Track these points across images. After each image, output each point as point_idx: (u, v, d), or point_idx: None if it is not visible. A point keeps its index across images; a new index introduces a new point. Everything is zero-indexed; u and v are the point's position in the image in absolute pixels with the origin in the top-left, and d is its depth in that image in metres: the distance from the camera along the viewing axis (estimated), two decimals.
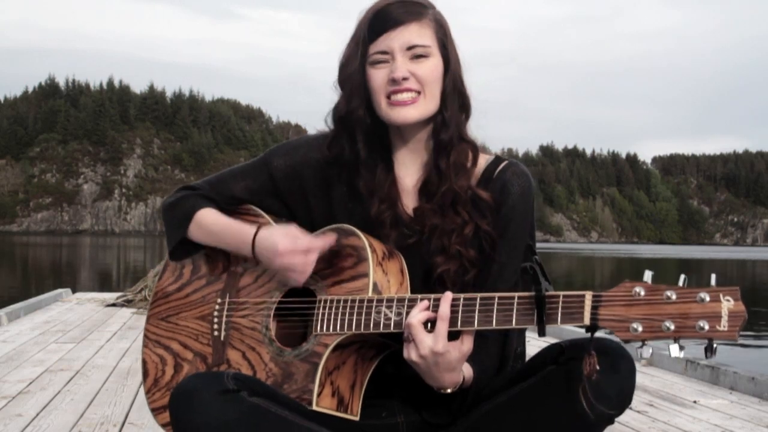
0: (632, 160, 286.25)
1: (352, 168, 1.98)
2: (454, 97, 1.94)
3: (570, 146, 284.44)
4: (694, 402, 4.64)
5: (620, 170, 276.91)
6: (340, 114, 1.95)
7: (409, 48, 1.88)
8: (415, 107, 1.89)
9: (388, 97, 1.89)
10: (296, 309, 1.93)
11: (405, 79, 1.87)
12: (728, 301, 1.52)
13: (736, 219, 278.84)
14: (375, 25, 1.89)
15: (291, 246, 1.86)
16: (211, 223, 2.01)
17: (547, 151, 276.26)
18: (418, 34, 1.89)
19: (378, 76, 1.89)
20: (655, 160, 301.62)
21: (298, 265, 1.87)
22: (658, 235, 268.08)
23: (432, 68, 1.90)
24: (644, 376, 5.23)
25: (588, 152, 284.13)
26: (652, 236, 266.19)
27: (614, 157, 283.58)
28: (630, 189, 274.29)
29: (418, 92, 1.89)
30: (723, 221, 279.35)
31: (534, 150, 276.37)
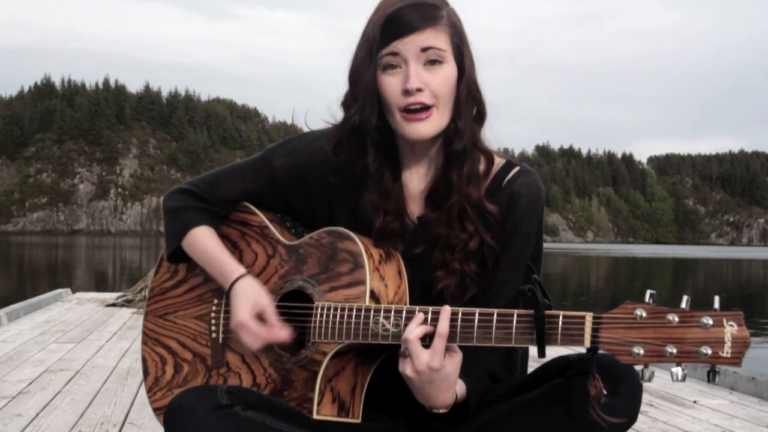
0: (628, 159, 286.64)
1: (359, 174, 1.92)
2: (468, 105, 1.86)
3: (566, 146, 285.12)
4: (694, 402, 4.65)
5: (616, 170, 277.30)
6: (353, 125, 1.88)
7: (424, 50, 1.80)
8: (430, 122, 1.82)
9: (402, 110, 1.82)
10: (293, 313, 1.90)
11: (419, 90, 1.79)
12: (732, 326, 1.49)
13: (731, 219, 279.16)
14: (387, 31, 1.81)
15: (247, 323, 1.85)
16: (201, 247, 1.99)
17: (543, 150, 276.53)
18: (433, 38, 1.80)
19: (391, 85, 1.82)
20: (650, 159, 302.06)
21: (246, 340, 1.87)
22: (654, 234, 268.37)
23: (446, 78, 1.81)
24: (641, 382, 5.21)
25: (584, 152, 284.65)
26: (648, 236, 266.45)
27: (610, 156, 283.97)
28: (626, 189, 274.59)
29: (431, 106, 1.81)
30: (719, 221, 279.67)
31: (530, 150, 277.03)
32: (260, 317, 1.86)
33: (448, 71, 1.82)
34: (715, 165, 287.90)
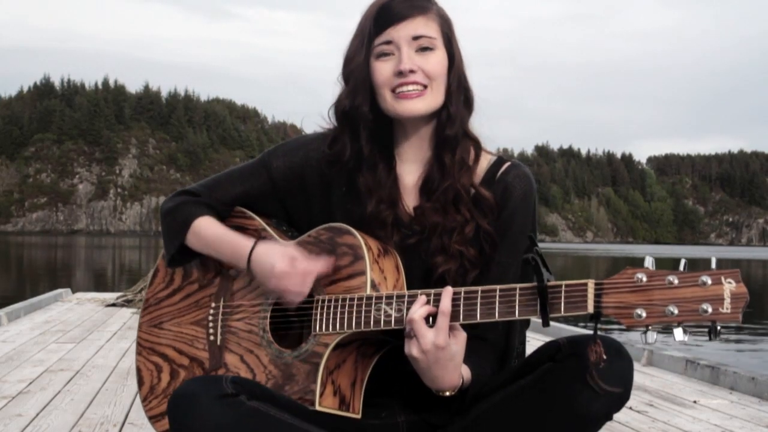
0: (627, 160, 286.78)
1: (353, 166, 1.96)
2: (459, 93, 1.93)
3: (565, 146, 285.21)
4: (694, 402, 4.64)
5: (615, 170, 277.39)
6: (343, 109, 1.93)
7: (415, 38, 1.87)
8: (422, 100, 1.88)
9: (394, 90, 1.88)
10: (293, 310, 1.91)
11: (412, 71, 1.86)
12: (730, 283, 1.53)
13: (731, 219, 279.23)
14: (380, 20, 1.88)
15: (288, 268, 1.84)
16: (208, 233, 1.98)
17: (542, 150, 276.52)
18: (424, 25, 1.88)
19: (383, 69, 1.88)
20: (650, 160, 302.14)
21: (295, 287, 1.85)
22: (653, 235, 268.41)
23: (438, 62, 1.89)
24: (644, 376, 5.23)
25: (583, 152, 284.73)
26: (647, 236, 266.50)
27: (609, 157, 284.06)
28: (625, 189, 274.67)
29: (425, 86, 1.88)
30: (718, 221, 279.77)
31: (529, 150, 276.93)
32: (294, 261, 1.86)
33: (440, 56, 1.90)
34: (715, 165, 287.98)
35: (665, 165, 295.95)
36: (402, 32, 1.87)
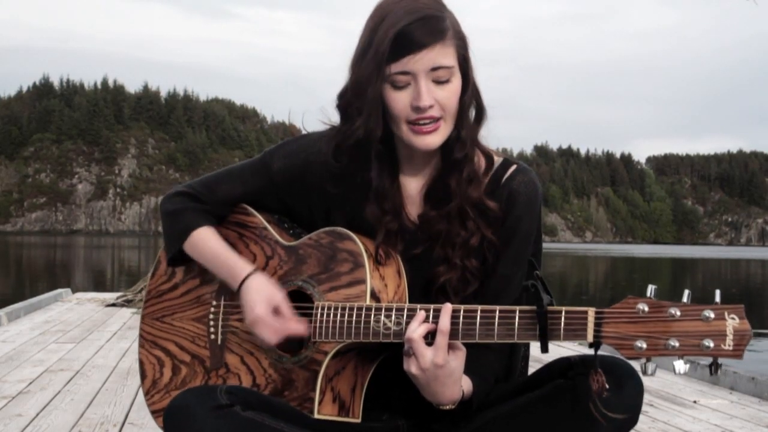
0: (626, 160, 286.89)
1: (359, 187, 1.93)
2: (471, 111, 1.90)
3: (564, 146, 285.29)
4: (694, 402, 4.66)
5: (614, 170, 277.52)
6: (357, 137, 1.88)
7: (433, 69, 1.81)
8: (438, 134, 1.83)
9: (409, 123, 1.83)
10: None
11: (430, 106, 1.81)
12: (733, 319, 1.51)
13: (730, 219, 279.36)
14: (397, 47, 1.80)
15: (265, 316, 1.85)
16: (206, 247, 1.98)
17: (541, 150, 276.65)
18: (442, 54, 1.81)
19: (400, 100, 1.82)
20: (649, 160, 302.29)
21: (265, 336, 1.86)
22: (653, 234, 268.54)
23: (454, 92, 1.83)
24: (644, 376, 5.22)
25: (582, 152, 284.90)
26: (647, 236, 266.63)
27: (609, 157, 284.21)
28: (624, 189, 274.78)
29: (439, 118, 1.83)
30: (717, 221, 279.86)
31: (528, 150, 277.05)
32: (275, 312, 1.86)
33: (455, 86, 1.84)
34: (714, 165, 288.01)
35: (664, 165, 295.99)
36: (420, 64, 1.80)
